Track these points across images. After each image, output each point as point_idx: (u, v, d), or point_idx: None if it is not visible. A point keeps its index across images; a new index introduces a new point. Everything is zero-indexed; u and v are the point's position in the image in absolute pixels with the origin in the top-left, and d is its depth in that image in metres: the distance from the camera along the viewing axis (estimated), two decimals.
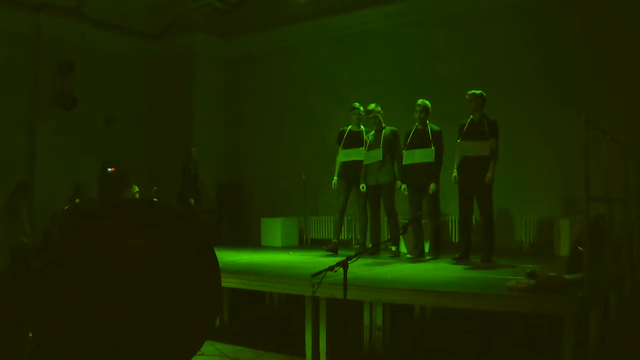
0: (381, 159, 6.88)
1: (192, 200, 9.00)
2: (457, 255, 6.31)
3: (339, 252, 7.19)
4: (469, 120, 6.39)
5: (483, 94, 6.31)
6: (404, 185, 6.73)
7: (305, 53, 10.31)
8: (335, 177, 7.42)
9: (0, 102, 8.96)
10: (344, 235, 7.71)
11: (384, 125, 7.06)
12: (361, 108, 7.35)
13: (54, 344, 2.83)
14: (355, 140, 7.33)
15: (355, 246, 7.32)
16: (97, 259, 2.88)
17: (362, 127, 7.39)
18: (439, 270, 5.54)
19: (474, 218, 6.62)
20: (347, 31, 9.75)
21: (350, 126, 7.44)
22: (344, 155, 7.37)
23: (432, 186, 6.47)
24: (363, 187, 7.12)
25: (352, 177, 7.29)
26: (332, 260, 3.57)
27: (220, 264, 3.67)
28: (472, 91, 6.34)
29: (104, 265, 2.88)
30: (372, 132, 7.15)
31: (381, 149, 6.90)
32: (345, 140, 7.40)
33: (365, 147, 7.11)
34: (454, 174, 6.38)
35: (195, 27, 10.75)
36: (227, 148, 11.19)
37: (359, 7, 9.50)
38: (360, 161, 7.19)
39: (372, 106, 7.08)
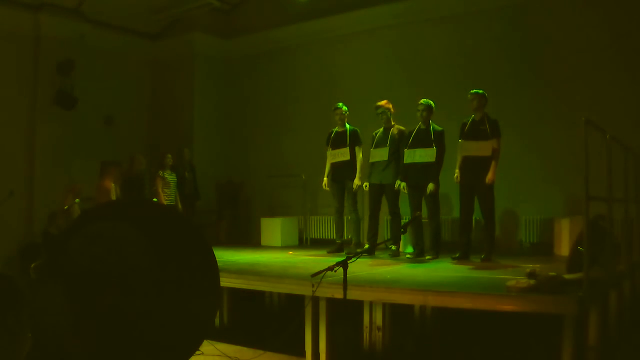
0: (387, 158, 6.85)
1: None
2: (457, 255, 6.31)
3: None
4: (470, 120, 6.39)
5: (485, 94, 6.31)
6: (403, 184, 6.70)
7: (305, 53, 10.30)
8: (325, 178, 7.46)
9: (0, 102, 8.95)
10: (345, 235, 7.71)
11: (393, 123, 7.02)
12: (344, 108, 7.37)
13: (54, 343, 2.83)
14: (340, 140, 7.34)
15: (357, 250, 7.30)
16: (95, 259, 2.88)
17: (347, 126, 7.39)
18: (439, 271, 5.54)
19: (474, 218, 6.62)
20: (347, 31, 9.73)
21: (337, 128, 7.45)
22: (332, 157, 7.40)
23: (431, 186, 6.44)
24: (366, 186, 7.08)
25: (342, 178, 7.30)
26: (332, 260, 3.56)
27: (220, 264, 3.67)
28: (475, 90, 6.34)
29: (102, 265, 2.88)
30: (381, 130, 7.08)
31: (387, 148, 6.86)
32: (332, 141, 7.42)
33: (373, 144, 7.07)
34: (456, 174, 6.38)
35: (195, 27, 10.73)
36: (227, 148, 11.18)
37: (359, 7, 9.48)
38: (348, 161, 7.19)
39: (381, 102, 7.03)
